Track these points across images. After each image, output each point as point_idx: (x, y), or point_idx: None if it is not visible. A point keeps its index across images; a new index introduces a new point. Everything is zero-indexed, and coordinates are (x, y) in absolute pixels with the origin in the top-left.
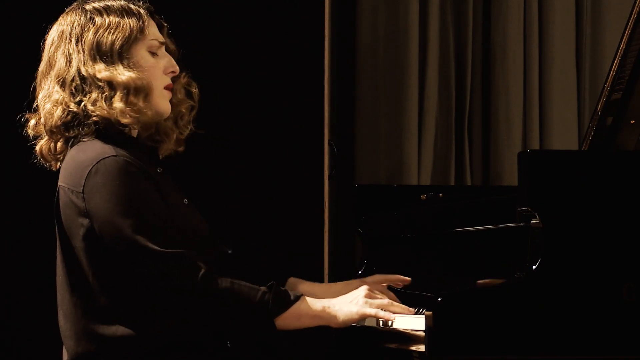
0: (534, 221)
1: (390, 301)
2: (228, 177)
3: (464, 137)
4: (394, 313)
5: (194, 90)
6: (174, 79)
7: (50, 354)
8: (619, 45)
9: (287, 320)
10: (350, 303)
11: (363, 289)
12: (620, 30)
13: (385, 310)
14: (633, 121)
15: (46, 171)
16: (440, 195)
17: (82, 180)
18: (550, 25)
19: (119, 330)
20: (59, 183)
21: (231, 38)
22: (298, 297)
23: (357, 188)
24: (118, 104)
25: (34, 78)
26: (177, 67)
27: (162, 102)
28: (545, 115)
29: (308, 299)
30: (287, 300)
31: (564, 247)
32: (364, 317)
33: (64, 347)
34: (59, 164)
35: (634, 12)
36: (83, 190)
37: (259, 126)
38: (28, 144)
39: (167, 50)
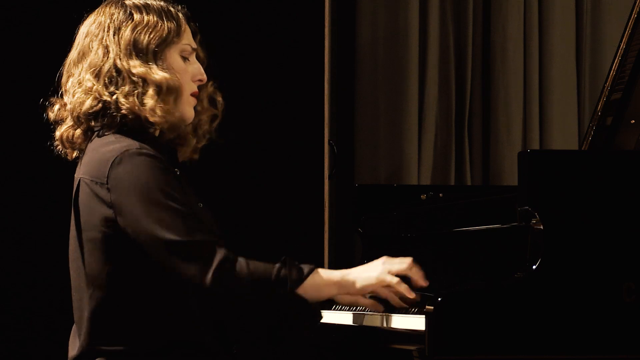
0: (534, 221)
1: (410, 265)
2: (228, 177)
3: (464, 136)
4: (413, 278)
5: (219, 99)
6: (200, 87)
7: (55, 348)
8: (619, 45)
9: (308, 292)
10: (369, 269)
11: (381, 260)
12: (621, 30)
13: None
14: (633, 121)
15: (47, 174)
16: (440, 195)
17: (105, 171)
18: (550, 25)
19: (130, 326)
20: (80, 176)
21: (231, 38)
22: (312, 269)
23: (357, 188)
24: (149, 100)
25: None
26: (205, 76)
27: (187, 108)
28: (545, 115)
29: (322, 270)
30: (302, 274)
31: (564, 247)
32: (382, 284)
33: (72, 336)
34: (75, 153)
35: (634, 12)
36: (107, 181)
37: (259, 126)
38: (50, 127)
39: (197, 57)
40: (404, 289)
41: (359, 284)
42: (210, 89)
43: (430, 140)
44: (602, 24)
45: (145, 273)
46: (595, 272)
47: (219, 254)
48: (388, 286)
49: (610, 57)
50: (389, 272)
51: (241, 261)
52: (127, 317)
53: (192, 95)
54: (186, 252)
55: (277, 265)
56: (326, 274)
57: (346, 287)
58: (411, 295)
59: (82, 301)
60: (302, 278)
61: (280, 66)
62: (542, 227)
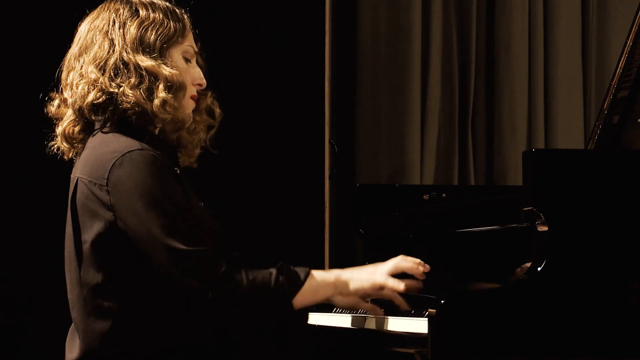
0: (539, 221)
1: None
2: (228, 177)
3: (467, 136)
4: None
5: (217, 110)
6: (199, 97)
7: (55, 347)
8: (626, 42)
9: (305, 296)
10: (362, 271)
11: (379, 264)
12: (627, 27)
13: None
14: None
15: (44, 174)
16: (444, 195)
17: (105, 172)
18: (556, 22)
19: (125, 329)
20: (78, 175)
21: (231, 38)
22: (307, 274)
23: (358, 188)
24: (162, 94)
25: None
26: (205, 81)
27: (187, 110)
28: (550, 113)
29: (317, 272)
30: (299, 279)
31: (569, 247)
32: (375, 287)
33: (68, 338)
34: (71, 153)
35: None
36: (107, 183)
37: (260, 126)
38: (50, 124)
39: (197, 63)
40: (396, 284)
41: (352, 285)
42: (209, 99)
43: (433, 140)
44: (609, 21)
45: (144, 276)
46: (600, 273)
47: (221, 267)
48: (383, 288)
49: (616, 54)
50: (385, 273)
51: (240, 271)
52: (126, 319)
53: (192, 98)
54: (189, 264)
55: (274, 272)
56: (321, 275)
57: (340, 288)
58: (401, 288)
59: (78, 303)
60: (299, 284)
61: (281, 66)
62: (546, 228)
